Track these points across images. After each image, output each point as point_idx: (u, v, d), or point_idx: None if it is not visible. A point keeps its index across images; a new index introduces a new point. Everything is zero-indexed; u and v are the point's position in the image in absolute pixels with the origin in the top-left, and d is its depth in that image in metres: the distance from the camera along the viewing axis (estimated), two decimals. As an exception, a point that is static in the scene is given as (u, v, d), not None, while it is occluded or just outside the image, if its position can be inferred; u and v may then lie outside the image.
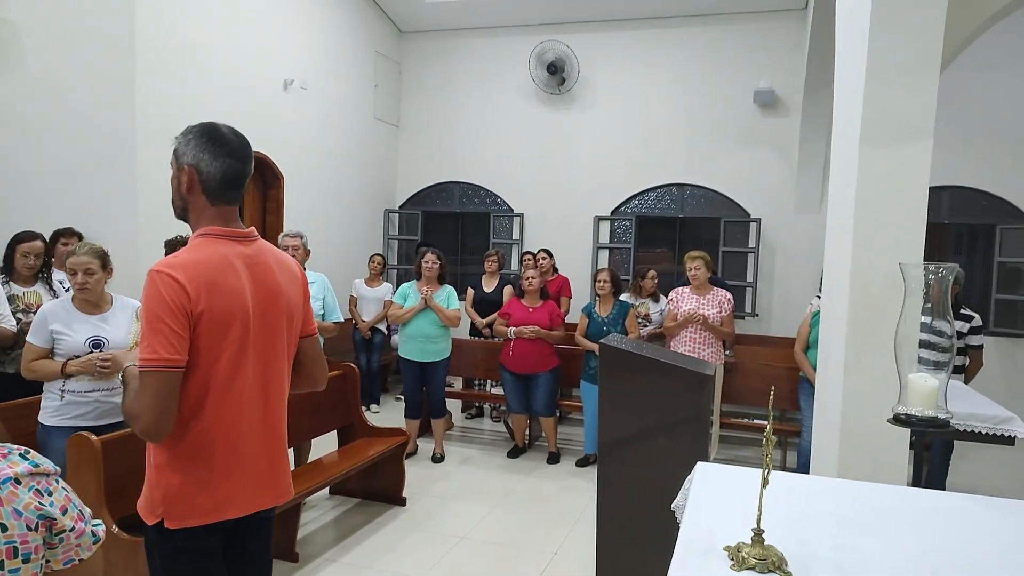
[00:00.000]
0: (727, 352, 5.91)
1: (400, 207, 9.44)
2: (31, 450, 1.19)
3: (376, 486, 4.70)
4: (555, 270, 7.24)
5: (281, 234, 4.73)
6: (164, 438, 1.73)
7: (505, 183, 9.00)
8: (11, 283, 4.00)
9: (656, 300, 6.11)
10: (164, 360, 1.67)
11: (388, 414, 6.72)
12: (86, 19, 5.57)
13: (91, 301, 3.22)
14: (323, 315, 4.44)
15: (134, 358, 1.83)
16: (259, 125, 6.43)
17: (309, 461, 4.59)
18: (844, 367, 2.73)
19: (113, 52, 5.49)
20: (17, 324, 3.78)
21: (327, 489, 4.73)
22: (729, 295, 5.45)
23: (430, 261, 5.50)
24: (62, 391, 3.13)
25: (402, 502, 4.64)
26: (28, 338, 3.15)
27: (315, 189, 7.60)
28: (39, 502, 1.15)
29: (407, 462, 4.98)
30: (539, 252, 7.14)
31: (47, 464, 1.19)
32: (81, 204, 5.51)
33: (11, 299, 3.89)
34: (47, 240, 4.29)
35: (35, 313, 3.33)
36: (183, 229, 4.73)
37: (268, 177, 6.95)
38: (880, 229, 2.69)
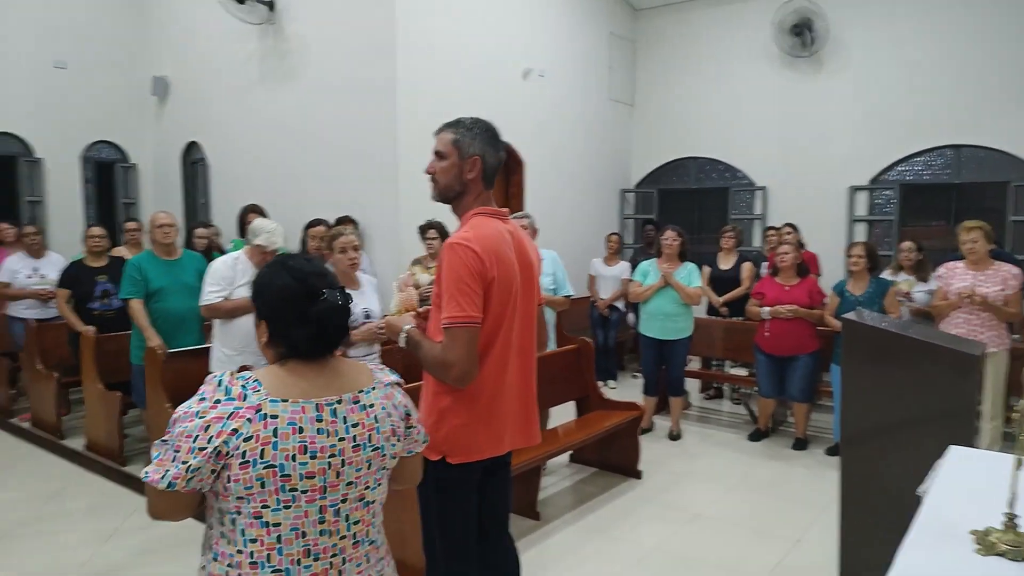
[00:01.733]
0: (1016, 336, 5.12)
1: (635, 186, 9.45)
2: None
3: (612, 458, 4.84)
4: (801, 246, 6.78)
5: (511, 215, 5.04)
6: (470, 383, 2.05)
7: (745, 156, 8.60)
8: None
9: (925, 278, 5.46)
10: (471, 317, 1.99)
11: (624, 391, 6.83)
12: (355, 27, 6.38)
13: (351, 277, 3.75)
14: (554, 289, 4.64)
15: (408, 322, 2.21)
16: (503, 115, 6.78)
17: (547, 429, 4.86)
18: None
19: (378, 55, 6.22)
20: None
21: (567, 457, 4.98)
22: (1017, 271, 4.71)
23: (670, 238, 5.47)
24: (345, 356, 3.68)
25: (637, 475, 4.73)
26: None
27: (553, 172, 7.91)
28: (407, 402, 1.58)
29: (643, 438, 5.05)
30: (783, 227, 6.74)
31: (400, 377, 1.62)
32: (350, 194, 6.34)
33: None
34: (330, 226, 5.01)
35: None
36: (433, 215, 5.25)
37: (511, 164, 7.39)
38: None
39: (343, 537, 1.44)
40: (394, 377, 1.60)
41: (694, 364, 6.96)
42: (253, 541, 1.37)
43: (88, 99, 8.28)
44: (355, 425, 1.44)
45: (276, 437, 1.35)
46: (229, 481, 1.34)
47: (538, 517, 4.05)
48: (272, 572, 1.37)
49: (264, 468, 1.34)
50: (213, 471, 1.34)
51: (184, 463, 1.31)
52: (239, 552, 1.37)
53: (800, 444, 5.40)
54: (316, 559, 1.40)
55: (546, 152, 7.78)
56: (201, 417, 1.33)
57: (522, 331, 2.18)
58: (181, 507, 1.39)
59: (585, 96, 8.44)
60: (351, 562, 1.46)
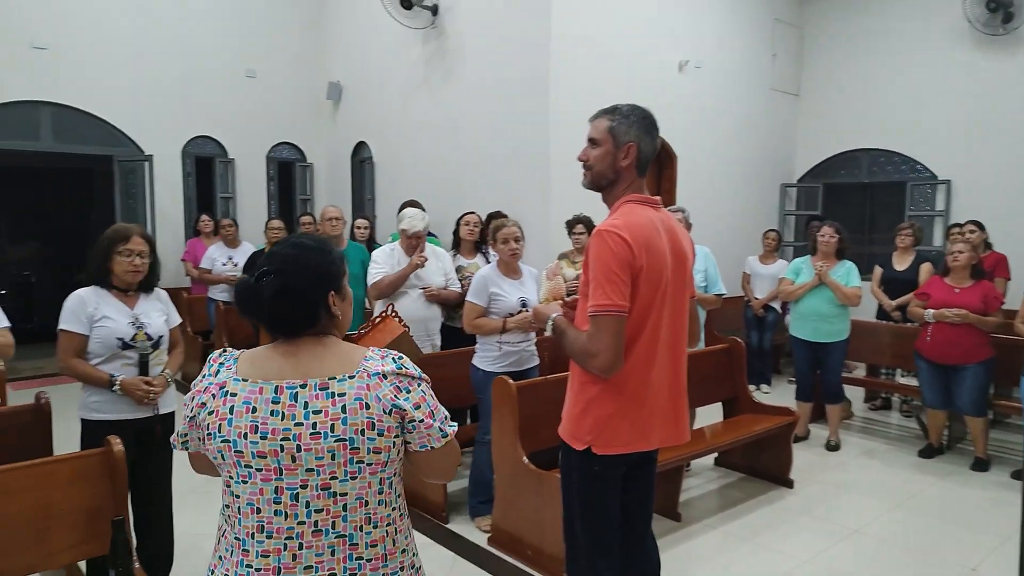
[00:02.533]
0: None
1: (799, 180, 8.92)
2: (405, 357, 1.52)
3: (761, 464, 4.62)
4: (988, 246, 6.10)
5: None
6: (616, 372, 2.02)
7: (926, 146, 7.84)
8: (459, 255, 4.96)
9: None
10: (618, 306, 1.97)
11: (780, 396, 6.49)
12: (511, 25, 6.52)
13: (513, 267, 3.85)
14: (705, 287, 4.50)
15: (555, 310, 2.22)
16: (656, 108, 6.67)
17: (693, 429, 4.73)
18: None
19: (531, 52, 6.32)
20: (462, 288, 4.68)
21: (712, 459, 4.83)
22: None
23: (826, 234, 5.14)
24: (500, 343, 3.80)
25: (788, 484, 4.49)
26: (469, 298, 3.88)
27: (708, 167, 7.65)
28: (395, 395, 1.44)
29: (796, 446, 4.78)
30: (966, 224, 6.08)
31: (412, 370, 1.49)
32: (503, 189, 6.50)
33: (458, 269, 4.81)
34: (483, 219, 5.18)
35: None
36: (583, 210, 5.26)
37: (662, 157, 7.24)
38: None
39: (301, 522, 1.40)
40: (392, 367, 1.47)
41: (859, 371, 6.48)
42: (227, 507, 1.47)
43: (272, 104, 9.12)
44: (317, 412, 1.38)
45: (232, 414, 1.39)
46: (206, 450, 1.46)
47: (679, 518, 3.96)
48: (235, 539, 1.44)
49: (221, 442, 1.40)
50: (198, 438, 1.46)
51: (184, 431, 1.49)
52: (222, 513, 1.49)
53: (980, 464, 4.87)
54: (269, 536, 1.40)
55: (701, 146, 7.54)
56: (192, 388, 1.48)
57: (672, 324, 2.13)
58: (203, 465, 1.55)
59: (745, 87, 8.08)
60: (309, 549, 1.40)
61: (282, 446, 1.37)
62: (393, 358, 1.48)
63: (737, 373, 4.78)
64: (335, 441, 1.38)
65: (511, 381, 3.52)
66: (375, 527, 1.45)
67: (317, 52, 9.35)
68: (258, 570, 1.39)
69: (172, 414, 3.02)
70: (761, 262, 7.05)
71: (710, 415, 4.76)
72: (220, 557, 1.47)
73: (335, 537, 1.41)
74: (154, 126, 8.24)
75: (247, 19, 8.85)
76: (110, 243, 2.83)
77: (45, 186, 10.76)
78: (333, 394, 1.39)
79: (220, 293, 6.80)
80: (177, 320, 3.10)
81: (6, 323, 3.19)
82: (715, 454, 4.74)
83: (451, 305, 4.65)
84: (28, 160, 8.85)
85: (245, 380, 1.41)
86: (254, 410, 1.38)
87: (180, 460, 2.32)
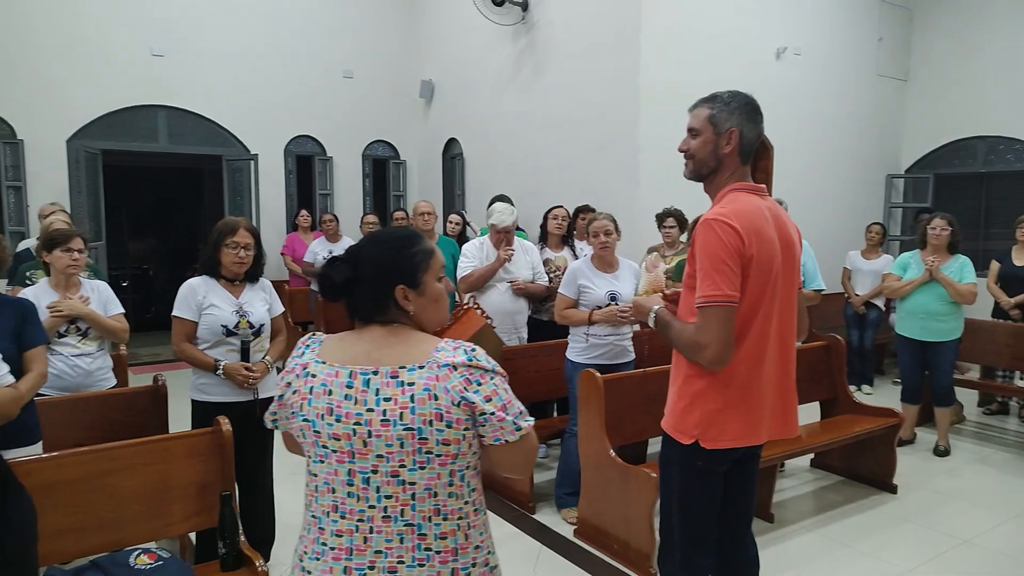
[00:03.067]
0: None
1: (906, 171, 8.43)
2: (479, 349, 1.49)
3: (862, 467, 4.41)
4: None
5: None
6: (726, 365, 1.97)
7: (1053, 132, 7.24)
8: (546, 248, 4.98)
9: None
10: (728, 296, 1.91)
11: (882, 398, 6.15)
12: (601, 18, 6.47)
13: (607, 260, 3.83)
14: (803, 281, 4.32)
15: (657, 303, 2.19)
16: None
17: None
18: None
19: (622, 44, 6.26)
20: (549, 282, 4.69)
21: (808, 461, 4.65)
22: None
23: (938, 227, 4.84)
24: (587, 335, 3.80)
25: (891, 489, 4.26)
26: (559, 289, 3.90)
27: (806, 157, 7.34)
28: (464, 388, 1.42)
29: (901, 450, 4.54)
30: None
31: (485, 362, 1.46)
32: (592, 183, 6.46)
33: (545, 262, 4.83)
34: (569, 213, 5.17)
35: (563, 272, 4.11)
36: (672, 202, 5.17)
37: (757, 148, 6.98)
38: None
39: (372, 506, 1.42)
40: (463, 358, 1.44)
41: (972, 373, 6.08)
42: (307, 484, 1.50)
43: (368, 104, 9.41)
44: (387, 399, 1.40)
45: (311, 395, 1.44)
46: (291, 428, 1.51)
47: (772, 519, 3.85)
48: (311, 516, 1.48)
49: (302, 421, 1.45)
50: (285, 416, 1.51)
51: (271, 407, 1.55)
52: (307, 486, 1.51)
53: (1114, 477, 4.48)
54: (343, 516, 1.43)
55: (798, 135, 7.24)
56: (282, 369, 1.54)
57: (782, 316, 2.06)
58: (293, 444, 1.58)
59: (848, 72, 7.70)
60: (379, 533, 1.42)
61: (354, 430, 1.39)
62: (465, 350, 1.46)
63: (836, 372, 4.58)
64: (403, 430, 1.38)
65: (597, 374, 3.51)
66: (445, 519, 1.44)
67: (411, 52, 9.58)
68: (332, 548, 1.42)
69: (272, 399, 3.19)
70: (864, 257, 6.71)
71: (807, 415, 4.57)
72: (300, 537, 1.51)
73: (403, 525, 1.41)
74: (259, 127, 8.67)
75: (345, 22, 9.16)
76: (219, 236, 3.02)
77: (161, 185, 11.55)
78: (403, 383, 1.40)
79: (319, 285, 7.09)
80: (280, 309, 3.27)
81: (120, 309, 3.48)
82: (811, 455, 4.56)
83: (538, 299, 4.68)
84: (147, 160, 9.51)
85: (324, 363, 1.45)
86: (330, 392, 1.42)
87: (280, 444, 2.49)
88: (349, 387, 1.41)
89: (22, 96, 7.35)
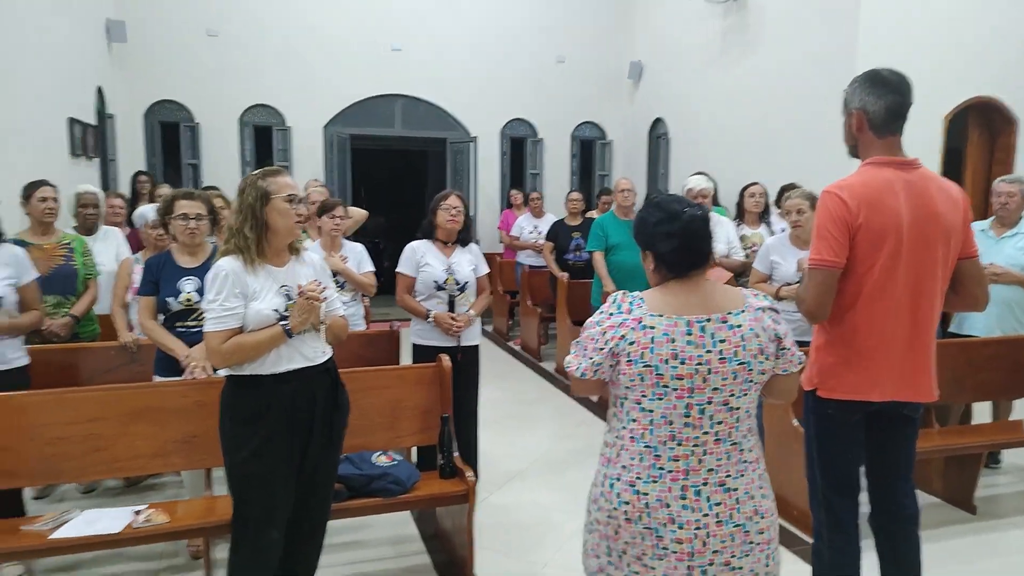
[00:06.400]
0: None
1: None
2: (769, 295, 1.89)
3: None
4: None
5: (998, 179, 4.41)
6: (821, 320, 2.21)
7: None
8: (742, 224, 5.04)
9: None
10: (825, 260, 2.12)
11: None
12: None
13: (802, 237, 3.87)
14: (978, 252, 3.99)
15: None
16: (983, 73, 6.03)
17: (1008, 420, 4.27)
18: None
19: (838, 22, 6.02)
20: (746, 258, 4.77)
21: (1028, 459, 4.31)
22: None
23: None
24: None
25: None
26: (754, 264, 4.01)
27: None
28: (775, 325, 1.72)
29: None
30: None
31: (776, 305, 1.79)
32: (797, 162, 6.31)
33: (741, 238, 4.91)
34: (766, 191, 5.16)
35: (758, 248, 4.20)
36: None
37: (997, 123, 6.37)
38: None
39: (705, 433, 1.67)
40: (766, 303, 1.75)
41: None
42: (633, 421, 1.71)
43: (578, 86, 9.83)
44: (722, 341, 1.66)
45: (652, 344, 1.65)
46: (619, 374, 1.70)
47: (974, 511, 3.67)
48: (644, 446, 1.70)
49: (643, 367, 1.65)
50: (610, 365, 1.71)
51: (590, 359, 1.72)
52: (623, 428, 1.75)
53: None
54: (679, 444, 1.67)
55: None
56: (600, 326, 1.72)
57: (917, 282, 2.14)
58: (591, 388, 1.83)
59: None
60: (711, 455, 1.68)
61: (696, 370, 1.64)
62: (764, 295, 1.78)
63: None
64: (737, 364, 1.66)
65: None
66: (752, 435, 1.76)
67: (620, 33, 9.82)
68: (670, 472, 1.68)
69: (476, 347, 3.73)
70: None
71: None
72: (624, 467, 1.72)
73: (730, 445, 1.70)
74: (478, 111, 9.46)
75: (560, 10, 9.64)
76: (436, 202, 3.60)
77: (392, 166, 12.92)
78: (732, 326, 1.67)
79: (526, 258, 7.67)
80: (485, 270, 3.78)
81: (371, 267, 4.20)
82: (1032, 454, 4.22)
83: (735, 273, 4.78)
84: (382, 143, 10.74)
85: (660, 315, 1.68)
86: (672, 340, 1.65)
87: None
88: (689, 334, 1.66)
89: (290, 89, 8.73)
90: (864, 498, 2.37)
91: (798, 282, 3.77)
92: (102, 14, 7.50)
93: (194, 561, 3.12)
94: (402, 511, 3.38)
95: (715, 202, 6.31)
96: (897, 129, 2.19)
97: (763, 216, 5.10)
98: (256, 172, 2.36)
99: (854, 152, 2.31)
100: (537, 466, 4.29)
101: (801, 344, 3.68)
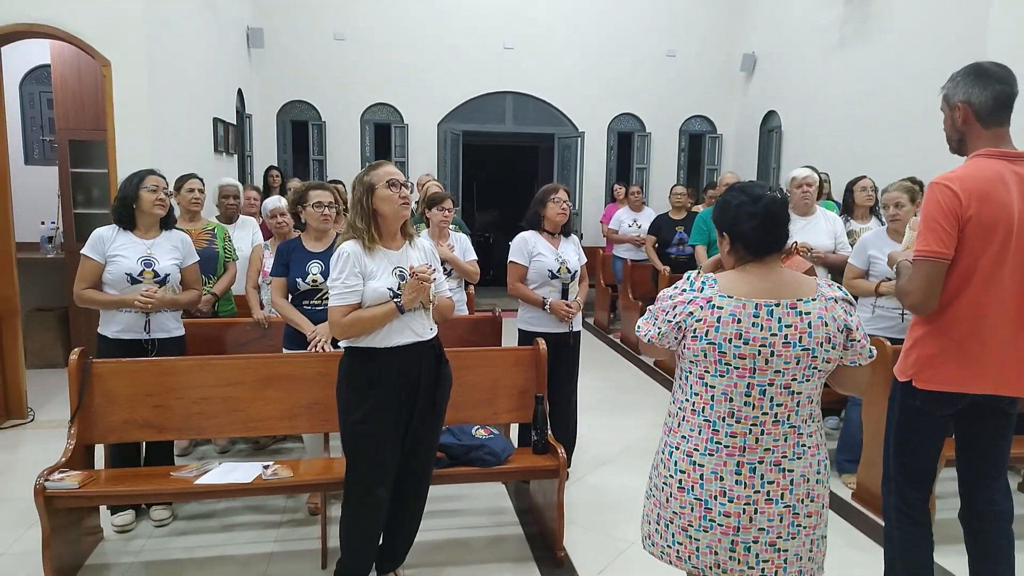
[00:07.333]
0: None
1: None
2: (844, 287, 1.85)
3: None
4: None
5: None
6: (928, 313, 2.18)
7: None
8: (850, 219, 4.90)
9: None
10: (933, 252, 2.11)
11: None
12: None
13: (900, 232, 3.78)
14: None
15: (904, 256, 2.38)
16: None
17: None
18: None
19: (967, 4, 5.70)
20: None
21: None
22: None
23: None
24: (874, 306, 3.81)
25: None
26: (850, 260, 3.94)
27: None
28: (846, 316, 1.75)
29: None
30: None
31: (852, 298, 1.80)
32: (919, 152, 6.02)
33: (850, 233, 4.78)
34: (876, 185, 4.98)
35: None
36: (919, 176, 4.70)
37: None
38: None
39: (764, 413, 1.72)
40: (840, 293, 1.77)
41: None
42: (696, 394, 1.79)
43: (688, 80, 9.76)
44: (788, 326, 1.70)
45: (719, 323, 1.71)
46: (685, 348, 1.78)
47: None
48: (703, 420, 1.77)
49: (707, 343, 1.72)
50: (676, 337, 1.80)
51: (657, 328, 1.82)
52: (686, 400, 1.84)
53: None
54: (737, 421, 1.73)
55: None
56: (671, 299, 1.81)
57: (1023, 275, 2.12)
58: (657, 352, 1.95)
59: None
60: (768, 435, 1.73)
61: (759, 351, 1.70)
62: (838, 286, 1.81)
63: None
64: (800, 350, 1.70)
65: (888, 343, 3.52)
66: (814, 421, 1.79)
67: (733, 25, 9.65)
68: (726, 447, 1.75)
69: (579, 333, 3.91)
70: None
71: None
72: (684, 437, 1.81)
73: (788, 427, 1.75)
74: (587, 107, 9.59)
75: (669, 2, 9.60)
76: (544, 194, 3.79)
77: (502, 162, 13.24)
78: (800, 312, 1.71)
79: (625, 251, 7.73)
80: (584, 260, 3.96)
81: (474, 256, 4.46)
82: None
83: (838, 269, 4.67)
84: (494, 140, 11.07)
85: (730, 297, 1.73)
86: (738, 321, 1.70)
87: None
88: (756, 316, 1.71)
89: (407, 88, 9.21)
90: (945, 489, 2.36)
91: (890, 279, 3.69)
92: (244, 22, 8.21)
93: (312, 516, 3.48)
94: (497, 482, 3.63)
95: (827, 196, 6.15)
96: (1005, 120, 2.18)
97: (873, 210, 4.95)
98: (362, 171, 2.63)
99: (957, 149, 2.29)
100: (630, 451, 4.42)
101: (895, 342, 3.68)
